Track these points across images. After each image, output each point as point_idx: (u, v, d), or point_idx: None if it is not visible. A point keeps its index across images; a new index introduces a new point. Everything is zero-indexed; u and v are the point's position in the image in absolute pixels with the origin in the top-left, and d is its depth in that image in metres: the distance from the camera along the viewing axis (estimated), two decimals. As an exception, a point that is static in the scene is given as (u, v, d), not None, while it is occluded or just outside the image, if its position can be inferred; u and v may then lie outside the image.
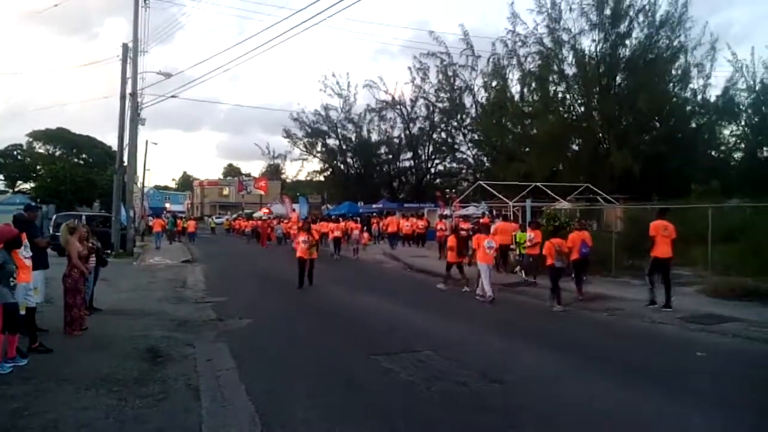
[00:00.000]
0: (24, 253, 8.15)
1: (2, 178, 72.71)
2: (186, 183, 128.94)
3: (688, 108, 32.59)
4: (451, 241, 16.30)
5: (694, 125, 32.57)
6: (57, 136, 73.25)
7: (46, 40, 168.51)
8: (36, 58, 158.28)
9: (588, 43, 31.82)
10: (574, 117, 33.69)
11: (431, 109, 47.63)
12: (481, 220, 24.80)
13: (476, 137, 44.13)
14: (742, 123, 35.64)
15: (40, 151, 74.04)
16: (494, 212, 27.43)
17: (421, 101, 47.84)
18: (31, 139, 74.17)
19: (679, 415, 6.13)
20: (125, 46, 28.77)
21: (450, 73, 43.19)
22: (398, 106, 49.26)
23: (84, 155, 73.99)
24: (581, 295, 13.65)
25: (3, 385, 6.79)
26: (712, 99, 32.60)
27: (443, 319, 12.02)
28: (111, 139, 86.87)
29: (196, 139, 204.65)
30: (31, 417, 5.83)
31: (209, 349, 9.04)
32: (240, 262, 26.24)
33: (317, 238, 19.59)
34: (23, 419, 5.77)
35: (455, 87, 43.59)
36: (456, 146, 47.68)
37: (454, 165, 49.85)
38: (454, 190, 48.12)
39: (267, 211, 60.25)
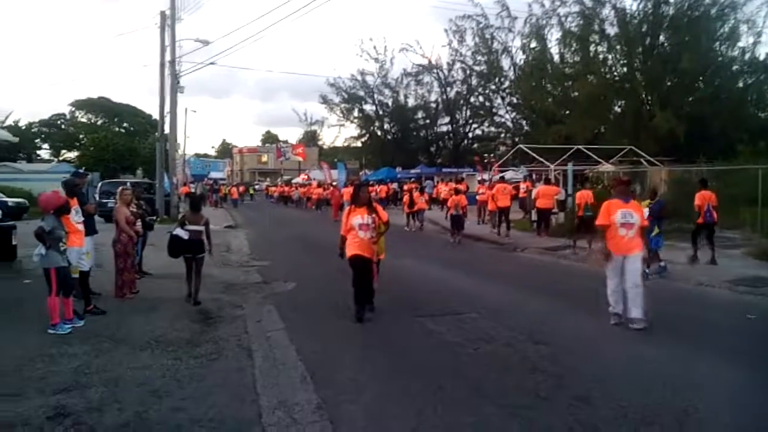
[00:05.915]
0: (75, 218, 8.35)
1: (47, 147, 74.56)
2: (225, 150, 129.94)
3: (735, 67, 31.19)
4: (405, 198, 24.69)
5: (741, 85, 31.24)
6: (98, 105, 74.63)
7: (84, 8, 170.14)
8: (76, 27, 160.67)
9: (630, 2, 30.77)
10: (616, 78, 32.72)
11: (468, 72, 46.64)
12: (522, 184, 24.61)
13: (515, 100, 43.19)
14: (793, 82, 34.27)
15: (83, 120, 75.52)
16: (534, 176, 27.12)
17: (458, 65, 46.81)
18: (73, 109, 75.89)
19: (733, 378, 6.09)
20: (163, 14, 28.99)
21: (487, 36, 42.22)
22: (435, 70, 48.48)
23: (125, 124, 75.25)
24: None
25: (64, 344, 7.06)
26: (762, 57, 31.15)
27: (483, 281, 12.07)
28: (150, 108, 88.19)
29: (233, 107, 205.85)
30: (92, 375, 6.07)
31: (257, 311, 9.25)
32: (281, 228, 26.54)
33: (385, 221, 9.12)
34: (86, 377, 6.00)
35: (492, 50, 42.56)
36: (494, 110, 46.72)
37: (492, 129, 48.96)
38: (492, 155, 47.54)
39: (305, 177, 60.75)
